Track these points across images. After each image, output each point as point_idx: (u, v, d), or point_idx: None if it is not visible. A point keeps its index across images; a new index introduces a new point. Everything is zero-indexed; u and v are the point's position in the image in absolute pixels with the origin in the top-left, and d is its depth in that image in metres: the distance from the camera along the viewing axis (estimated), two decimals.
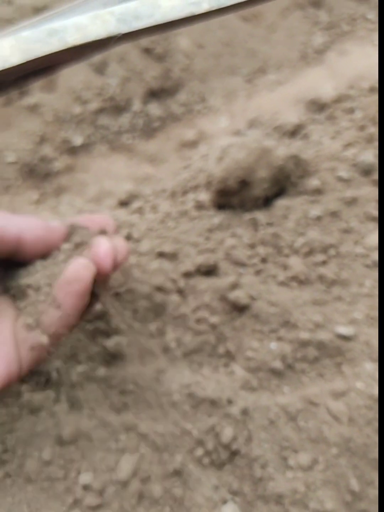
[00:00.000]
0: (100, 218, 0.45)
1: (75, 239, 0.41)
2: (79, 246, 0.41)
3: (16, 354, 0.36)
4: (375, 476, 0.41)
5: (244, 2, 0.48)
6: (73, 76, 1.63)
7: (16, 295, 0.39)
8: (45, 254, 0.40)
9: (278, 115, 0.92)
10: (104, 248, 0.39)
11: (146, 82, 1.61)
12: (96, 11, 0.44)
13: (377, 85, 0.81)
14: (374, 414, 0.42)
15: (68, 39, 0.42)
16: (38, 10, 1.69)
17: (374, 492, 0.40)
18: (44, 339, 0.36)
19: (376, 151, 0.63)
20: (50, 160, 1.55)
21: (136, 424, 0.42)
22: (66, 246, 0.40)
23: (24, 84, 0.46)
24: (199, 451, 0.40)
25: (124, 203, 0.85)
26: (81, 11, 0.46)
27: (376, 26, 1.25)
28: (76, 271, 0.37)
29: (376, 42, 1.18)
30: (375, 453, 0.41)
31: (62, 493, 0.39)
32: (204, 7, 0.45)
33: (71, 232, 0.41)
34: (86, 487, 0.39)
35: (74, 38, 0.43)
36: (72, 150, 1.59)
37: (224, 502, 0.38)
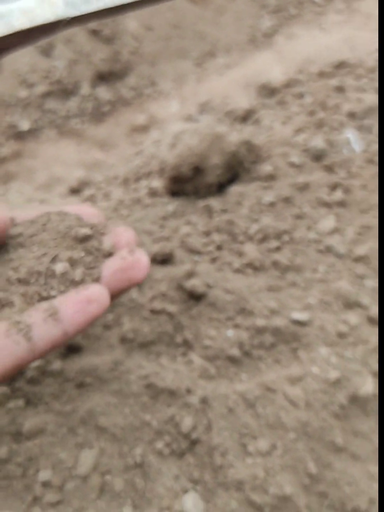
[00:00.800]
0: (86, 210, 0.40)
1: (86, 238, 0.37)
2: (93, 250, 0.37)
3: None
4: (332, 458, 0.42)
5: None
6: (18, 58, 1.58)
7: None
8: None
9: (228, 99, 0.92)
10: (145, 262, 0.36)
11: (94, 64, 1.58)
12: None
13: (325, 69, 0.83)
14: (330, 398, 0.43)
15: (14, 23, 0.41)
16: None
17: (331, 475, 0.41)
18: (29, 352, 0.31)
19: (326, 136, 0.64)
20: None
21: (94, 418, 0.41)
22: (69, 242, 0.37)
23: None
24: (159, 442, 0.40)
25: (75, 191, 0.83)
26: None
27: (322, 9, 1.26)
28: (100, 292, 0.34)
29: (323, 26, 1.19)
30: (331, 437, 0.42)
31: (21, 491, 0.38)
32: None
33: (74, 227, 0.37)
34: (45, 484, 0.38)
35: (20, 22, 0.41)
36: (19, 135, 1.55)
37: (185, 491, 0.39)
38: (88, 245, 0.37)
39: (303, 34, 1.19)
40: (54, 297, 0.34)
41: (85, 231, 0.37)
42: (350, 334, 0.48)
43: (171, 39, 1.40)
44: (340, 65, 0.84)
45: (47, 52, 1.61)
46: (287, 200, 0.60)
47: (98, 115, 1.55)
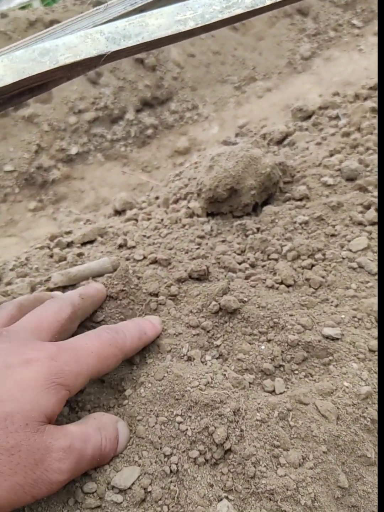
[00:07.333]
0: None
1: None
2: None
3: None
4: (363, 472, 0.42)
5: (230, 18, 0.49)
6: (68, 86, 1.65)
7: None
8: None
9: (266, 122, 0.94)
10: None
11: (139, 91, 1.64)
12: (85, 30, 0.46)
13: (361, 91, 0.83)
14: (361, 412, 0.44)
15: (59, 58, 0.44)
16: (32, 23, 1.71)
17: (363, 488, 0.41)
18: None
19: (360, 157, 0.65)
20: (46, 168, 1.57)
21: (134, 426, 0.43)
22: None
23: (18, 101, 0.48)
24: (194, 451, 0.41)
25: (118, 212, 0.87)
26: (71, 31, 0.48)
27: (361, 31, 1.27)
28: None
29: (361, 47, 1.20)
30: (362, 450, 0.42)
31: (63, 495, 0.40)
32: (190, 24, 0.47)
33: None
34: (86, 492, 0.40)
35: (65, 57, 0.44)
36: (68, 159, 1.61)
37: (219, 499, 0.39)
38: None
39: (341, 56, 1.20)
40: None
41: None
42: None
43: (212, 65, 1.44)
44: (376, 87, 0.85)
45: (94, 80, 1.68)
46: (320, 219, 0.61)
47: (142, 138, 1.60)
